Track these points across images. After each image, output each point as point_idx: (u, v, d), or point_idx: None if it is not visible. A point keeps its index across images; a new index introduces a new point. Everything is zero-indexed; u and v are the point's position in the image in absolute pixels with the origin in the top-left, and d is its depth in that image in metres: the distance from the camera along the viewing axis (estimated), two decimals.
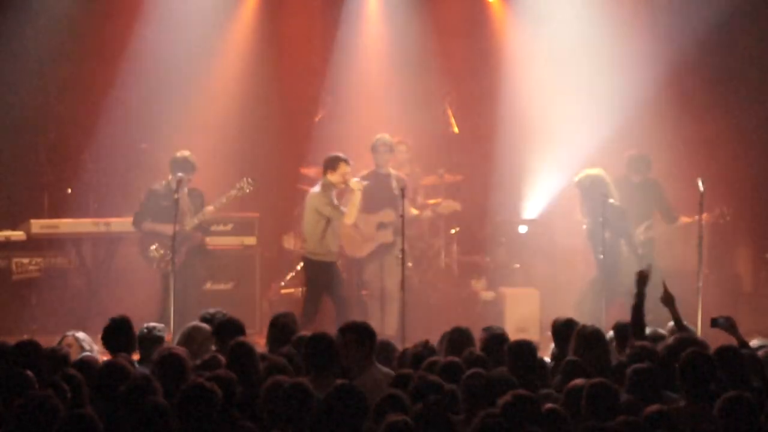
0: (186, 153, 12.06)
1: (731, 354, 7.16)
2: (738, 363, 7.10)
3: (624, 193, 11.93)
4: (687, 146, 13.39)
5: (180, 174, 11.75)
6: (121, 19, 14.04)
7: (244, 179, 12.12)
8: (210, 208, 11.99)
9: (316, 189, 11.75)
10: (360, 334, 7.61)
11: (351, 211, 11.64)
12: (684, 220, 12.10)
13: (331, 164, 11.64)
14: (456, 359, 7.34)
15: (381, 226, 12.44)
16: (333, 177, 11.63)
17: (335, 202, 11.71)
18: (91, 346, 8.39)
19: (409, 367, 7.46)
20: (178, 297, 11.69)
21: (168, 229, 11.62)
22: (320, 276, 11.68)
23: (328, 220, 11.64)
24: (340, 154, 11.74)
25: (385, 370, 7.53)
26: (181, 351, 7.31)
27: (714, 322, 8.21)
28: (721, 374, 6.94)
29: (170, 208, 11.72)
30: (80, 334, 8.52)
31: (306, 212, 11.83)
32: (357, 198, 11.66)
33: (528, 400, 6.21)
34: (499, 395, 6.32)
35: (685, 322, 8.29)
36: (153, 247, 11.99)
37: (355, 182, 11.68)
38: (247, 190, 12.10)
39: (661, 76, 13.93)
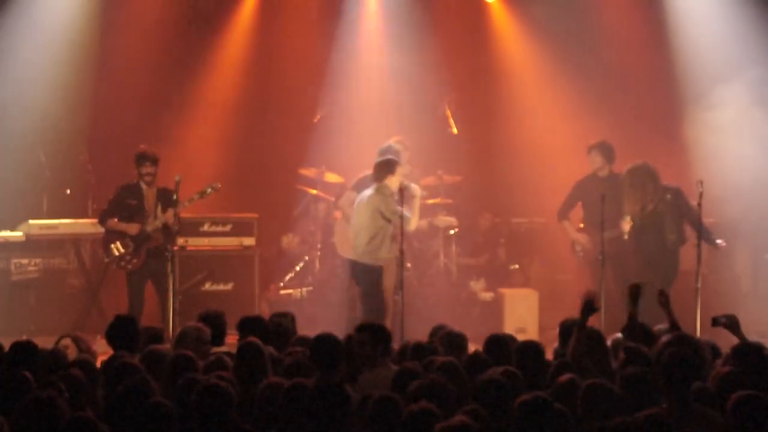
0: (145, 147, 12.07)
1: (751, 352, 7.10)
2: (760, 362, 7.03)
3: (595, 188, 11.82)
4: (687, 145, 13.38)
5: (178, 177, 11.73)
6: (119, 19, 14.04)
7: (210, 183, 11.98)
8: (170, 211, 11.70)
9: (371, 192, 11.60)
10: (375, 334, 7.61)
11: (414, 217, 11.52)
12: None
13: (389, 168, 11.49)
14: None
15: None
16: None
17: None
18: (88, 346, 8.38)
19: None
20: (138, 298, 11.83)
21: (130, 228, 11.83)
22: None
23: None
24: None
25: (396, 368, 7.44)
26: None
27: (715, 321, 8.10)
28: (739, 372, 6.85)
29: (136, 206, 11.87)
30: (77, 335, 8.51)
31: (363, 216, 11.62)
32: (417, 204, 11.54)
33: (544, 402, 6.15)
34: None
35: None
36: (113, 245, 11.98)
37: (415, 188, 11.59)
38: (208, 192, 11.90)
39: (662, 77, 13.93)
